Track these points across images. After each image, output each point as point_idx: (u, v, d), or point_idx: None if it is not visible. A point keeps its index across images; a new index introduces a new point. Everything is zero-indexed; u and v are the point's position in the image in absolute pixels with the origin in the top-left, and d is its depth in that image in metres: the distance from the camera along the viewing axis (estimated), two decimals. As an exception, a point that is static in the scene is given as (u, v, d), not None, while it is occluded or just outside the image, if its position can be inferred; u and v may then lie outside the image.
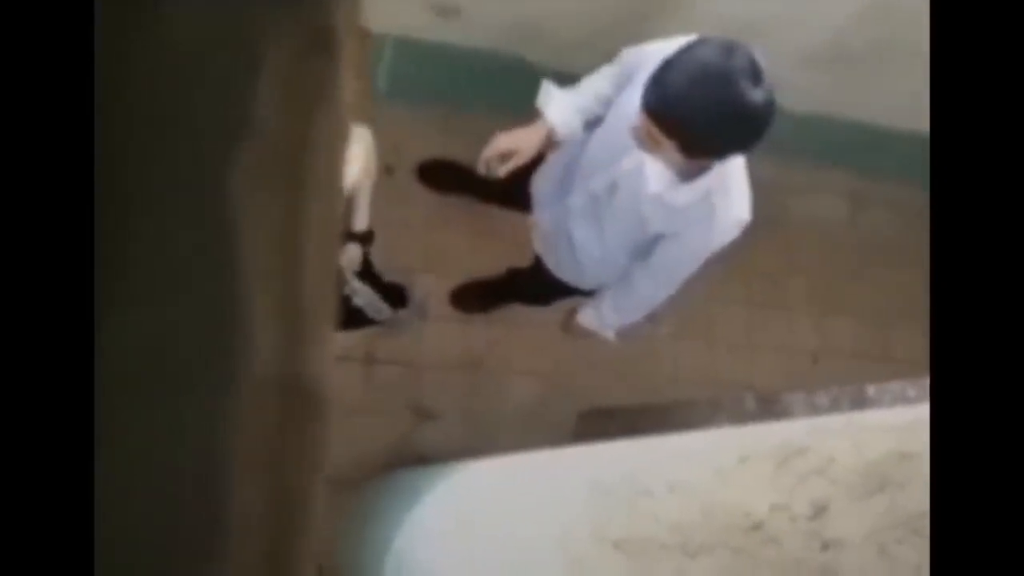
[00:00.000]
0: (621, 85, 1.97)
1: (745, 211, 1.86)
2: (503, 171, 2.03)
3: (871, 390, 1.82)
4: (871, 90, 3.01)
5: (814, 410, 1.82)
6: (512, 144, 2.03)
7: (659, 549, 0.98)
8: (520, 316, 2.83)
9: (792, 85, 2.78)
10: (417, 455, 2.61)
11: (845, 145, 3.28)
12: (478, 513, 1.59)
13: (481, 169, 2.07)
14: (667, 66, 1.62)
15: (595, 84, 2.03)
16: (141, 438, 0.29)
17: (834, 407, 1.80)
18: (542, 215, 2.25)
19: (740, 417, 1.97)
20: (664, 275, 2.01)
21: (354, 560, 1.94)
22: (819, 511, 0.77)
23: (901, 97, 2.88)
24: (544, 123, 2.03)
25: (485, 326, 2.86)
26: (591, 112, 2.04)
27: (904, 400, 1.66)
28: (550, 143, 2.06)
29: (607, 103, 2.02)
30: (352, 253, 1.91)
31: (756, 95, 1.57)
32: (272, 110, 0.32)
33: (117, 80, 0.28)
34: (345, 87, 0.35)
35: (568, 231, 2.13)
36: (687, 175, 1.81)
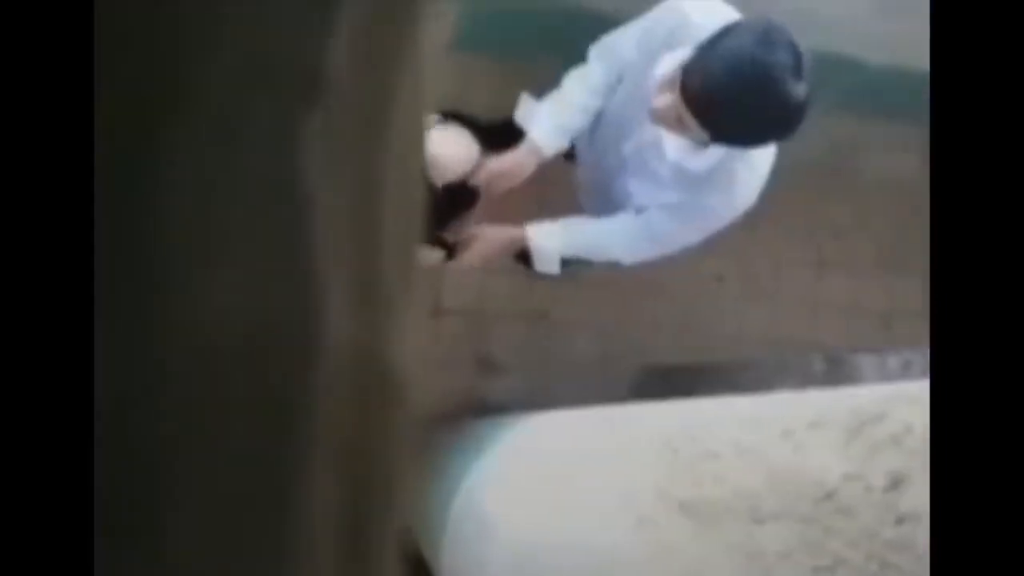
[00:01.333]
0: (613, 88, 1.92)
1: (766, 170, 1.82)
2: (495, 192, 1.99)
3: (944, 354, 1.78)
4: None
5: (884, 373, 1.79)
6: (500, 169, 1.97)
7: (726, 513, 0.97)
8: (586, 271, 2.83)
9: (869, 35, 2.69)
10: (482, 406, 2.63)
11: (920, 98, 3.18)
12: (543, 467, 1.59)
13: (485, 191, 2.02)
14: (706, 55, 1.57)
15: (579, 97, 1.95)
16: (211, 421, 0.29)
17: (905, 370, 1.76)
18: (583, 169, 2.22)
19: (807, 379, 1.94)
20: (670, 232, 1.96)
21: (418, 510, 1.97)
22: (895, 482, 0.75)
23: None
24: (530, 145, 1.96)
25: (551, 279, 2.86)
26: (577, 128, 1.98)
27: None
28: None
29: (594, 114, 1.97)
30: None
31: (799, 90, 1.53)
32: (348, 66, 0.30)
33: (181, 36, 0.27)
34: (428, 43, 0.33)
35: (611, 185, 2.08)
36: (704, 141, 1.78)
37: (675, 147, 1.78)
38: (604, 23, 2.02)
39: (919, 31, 2.84)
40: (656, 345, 2.85)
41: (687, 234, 1.95)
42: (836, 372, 1.99)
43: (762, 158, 1.79)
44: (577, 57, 2.05)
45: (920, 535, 0.69)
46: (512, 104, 2.07)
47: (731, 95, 1.54)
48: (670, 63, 1.66)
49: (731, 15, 1.74)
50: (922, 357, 1.78)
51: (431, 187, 1.83)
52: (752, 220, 1.97)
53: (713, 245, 2.10)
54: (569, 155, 2.21)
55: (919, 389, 0.95)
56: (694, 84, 1.57)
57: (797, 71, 1.52)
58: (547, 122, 1.95)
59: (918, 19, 2.78)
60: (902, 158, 3.29)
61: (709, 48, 1.57)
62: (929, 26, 0.66)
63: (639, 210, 1.97)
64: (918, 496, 0.72)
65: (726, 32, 1.57)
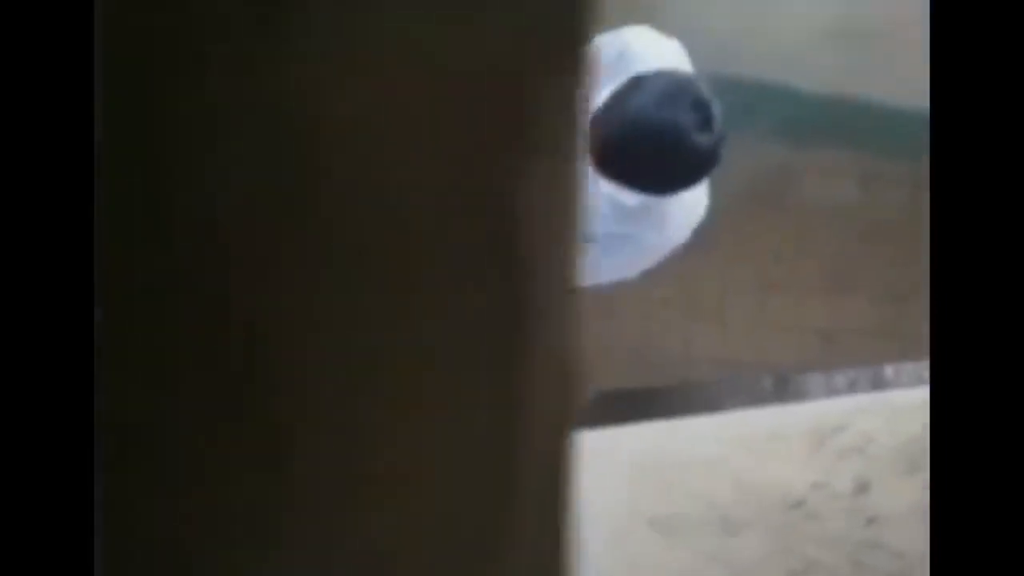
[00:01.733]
0: None
1: (701, 208, 1.85)
2: None
3: (889, 370, 1.85)
4: (886, 68, 3.03)
5: (832, 391, 1.85)
6: None
7: (698, 526, 1.01)
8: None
9: (804, 63, 2.79)
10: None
11: (858, 125, 3.30)
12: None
13: None
14: (608, 112, 1.60)
15: None
16: (434, 422, 0.31)
17: (852, 388, 1.82)
18: None
19: (758, 398, 1.99)
20: (611, 263, 1.99)
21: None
22: (861, 488, 0.79)
23: (916, 74, 2.89)
24: None
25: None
26: None
27: (923, 381, 1.69)
28: None
29: None
30: None
31: (704, 142, 1.54)
32: (552, 124, 0.34)
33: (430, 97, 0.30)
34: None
35: None
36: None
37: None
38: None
39: (852, 60, 2.96)
40: (606, 371, 2.89)
41: (624, 268, 1.98)
42: (784, 390, 2.05)
43: (695, 196, 1.83)
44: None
45: (888, 535, 0.73)
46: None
47: (629, 153, 1.57)
48: (604, 96, 1.69)
49: (671, 54, 1.78)
50: (867, 374, 1.85)
51: None
52: (695, 245, 2.02)
53: (658, 270, 2.14)
54: None
55: (870, 400, 1.00)
56: (595, 139, 1.60)
57: (703, 124, 1.54)
58: None
59: (853, 48, 2.90)
60: (839, 183, 3.40)
61: (612, 104, 1.60)
62: (930, 50, 0.70)
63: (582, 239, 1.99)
64: (884, 499, 0.76)
65: (630, 89, 1.60)
